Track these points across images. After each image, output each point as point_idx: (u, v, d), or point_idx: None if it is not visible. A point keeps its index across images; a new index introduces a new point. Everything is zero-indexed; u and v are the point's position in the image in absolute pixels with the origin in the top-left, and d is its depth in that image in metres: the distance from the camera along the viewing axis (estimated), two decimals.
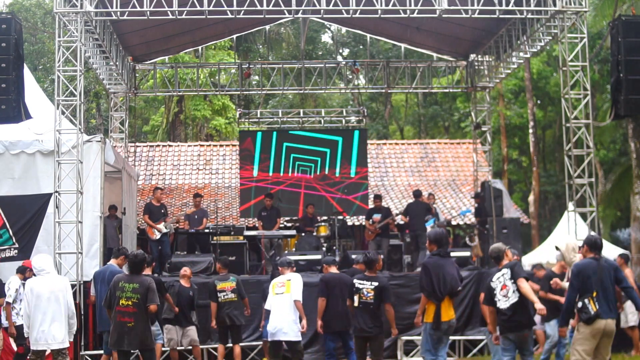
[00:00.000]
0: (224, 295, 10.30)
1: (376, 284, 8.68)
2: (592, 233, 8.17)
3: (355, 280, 8.81)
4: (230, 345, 10.63)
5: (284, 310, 9.09)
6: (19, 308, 9.57)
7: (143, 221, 15.06)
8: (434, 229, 10.21)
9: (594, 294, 7.36)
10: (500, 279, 7.72)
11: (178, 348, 10.66)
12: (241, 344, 11.83)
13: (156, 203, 14.59)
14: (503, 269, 7.78)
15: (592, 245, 7.62)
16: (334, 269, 9.72)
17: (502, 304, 7.68)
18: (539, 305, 7.50)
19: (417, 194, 15.16)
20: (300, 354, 9.32)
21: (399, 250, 14.92)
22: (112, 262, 10.14)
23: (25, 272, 10.10)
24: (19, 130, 12.01)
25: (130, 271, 8.22)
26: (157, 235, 14.23)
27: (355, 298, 8.66)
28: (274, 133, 18.10)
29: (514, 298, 7.63)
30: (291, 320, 9.10)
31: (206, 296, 10.73)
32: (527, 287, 7.56)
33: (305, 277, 12.17)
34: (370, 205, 16.88)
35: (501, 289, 7.69)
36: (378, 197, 15.61)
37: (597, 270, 7.44)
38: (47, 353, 8.49)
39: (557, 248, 8.09)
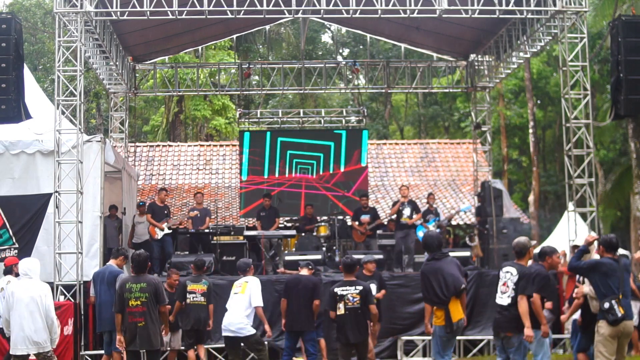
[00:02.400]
0: (192, 297, 10.09)
1: (360, 287, 8.54)
2: (611, 234, 8.08)
3: (336, 289, 8.59)
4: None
5: (237, 309, 8.99)
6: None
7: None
8: (425, 232, 10.17)
9: (620, 297, 7.42)
10: (507, 276, 7.51)
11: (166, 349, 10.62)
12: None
13: (160, 203, 14.61)
14: (513, 269, 7.51)
15: (608, 246, 7.60)
16: (304, 271, 9.87)
17: (498, 298, 7.60)
18: (528, 332, 7.25)
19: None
20: (258, 344, 9.14)
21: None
22: (112, 262, 10.13)
23: (13, 271, 9.93)
24: (19, 130, 12.01)
25: (136, 271, 8.22)
26: (159, 235, 14.22)
27: (340, 306, 8.46)
28: (278, 137, 18.08)
29: (505, 301, 7.49)
30: (242, 317, 8.95)
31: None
32: (524, 307, 7.28)
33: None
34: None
35: (502, 284, 7.55)
36: (365, 196, 15.58)
37: (618, 271, 7.47)
38: (30, 358, 8.36)
39: (587, 250, 7.93)
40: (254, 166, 17.90)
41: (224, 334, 9.11)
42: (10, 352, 8.16)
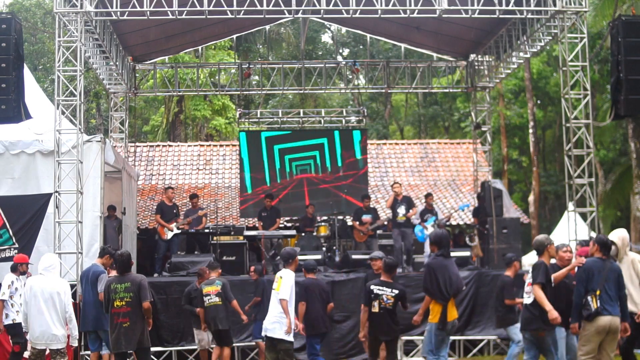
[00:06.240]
0: (208, 300, 10.24)
1: (396, 291, 8.63)
2: (601, 234, 8.33)
3: (372, 287, 8.68)
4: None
5: (272, 307, 8.67)
6: (18, 304, 9.53)
7: (155, 220, 15.04)
8: (435, 230, 10.25)
9: (598, 292, 7.53)
10: (528, 276, 7.86)
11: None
12: (242, 344, 11.90)
13: (168, 203, 14.61)
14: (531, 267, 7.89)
15: (603, 246, 7.80)
16: (311, 276, 9.75)
17: (525, 299, 7.86)
18: (552, 314, 7.52)
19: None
20: (284, 352, 8.53)
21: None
22: (97, 261, 10.18)
23: (17, 269, 10.11)
24: (19, 130, 12.00)
25: (120, 271, 8.20)
26: (169, 235, 14.25)
27: (375, 304, 8.58)
28: (263, 141, 18.07)
29: (532, 298, 7.71)
30: (277, 317, 8.52)
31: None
32: (539, 294, 7.59)
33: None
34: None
35: (527, 285, 7.83)
36: (366, 197, 15.55)
37: (603, 270, 7.60)
38: (47, 353, 8.50)
39: (613, 243, 8.11)
40: (256, 174, 17.93)
41: (263, 333, 8.75)
42: (31, 347, 8.31)
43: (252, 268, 11.42)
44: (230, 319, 10.45)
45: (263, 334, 8.80)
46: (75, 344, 8.43)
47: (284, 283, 8.55)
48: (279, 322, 8.46)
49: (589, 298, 7.51)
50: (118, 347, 8.02)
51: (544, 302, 7.54)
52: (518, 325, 9.78)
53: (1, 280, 10.48)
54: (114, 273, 10.01)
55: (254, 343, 11.66)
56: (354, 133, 18.42)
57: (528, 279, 7.85)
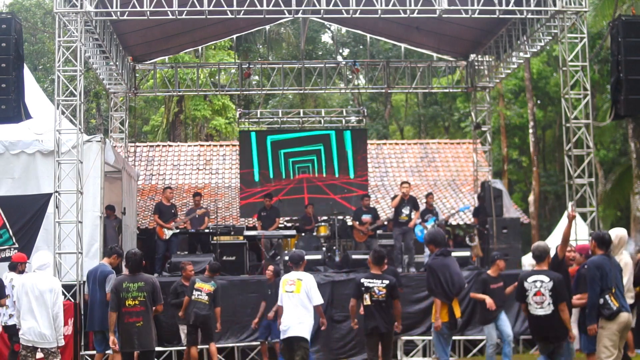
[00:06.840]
0: (197, 295, 10.31)
1: (387, 282, 8.52)
2: (604, 231, 8.24)
3: (363, 280, 8.58)
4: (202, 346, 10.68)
5: (294, 309, 8.52)
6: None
7: (154, 221, 15.06)
8: (428, 230, 10.26)
9: (613, 290, 7.52)
10: (537, 285, 7.66)
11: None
12: (242, 344, 11.89)
13: (166, 203, 14.63)
14: (543, 276, 7.69)
15: (600, 241, 7.73)
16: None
17: (536, 310, 7.69)
18: (572, 334, 7.63)
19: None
20: (303, 350, 8.52)
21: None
22: (105, 261, 10.18)
23: (17, 268, 10.14)
24: (19, 130, 12.02)
25: (131, 270, 8.18)
26: (167, 235, 14.27)
27: (366, 297, 8.47)
28: (267, 136, 18.09)
29: (548, 310, 7.61)
30: (300, 319, 8.47)
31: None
32: (567, 316, 7.60)
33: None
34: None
35: (535, 294, 7.67)
36: (366, 197, 15.52)
37: (612, 267, 7.59)
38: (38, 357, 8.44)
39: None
40: (246, 171, 17.92)
41: (284, 335, 8.59)
42: (21, 342, 8.27)
43: (271, 268, 11.21)
44: (214, 321, 10.49)
45: (284, 336, 8.58)
46: (62, 343, 8.33)
47: (312, 287, 8.49)
48: (302, 322, 8.42)
49: (607, 297, 7.46)
50: (130, 346, 7.92)
51: (568, 322, 7.60)
52: (492, 325, 9.88)
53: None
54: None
55: (254, 343, 11.68)
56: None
57: (535, 286, 7.67)
